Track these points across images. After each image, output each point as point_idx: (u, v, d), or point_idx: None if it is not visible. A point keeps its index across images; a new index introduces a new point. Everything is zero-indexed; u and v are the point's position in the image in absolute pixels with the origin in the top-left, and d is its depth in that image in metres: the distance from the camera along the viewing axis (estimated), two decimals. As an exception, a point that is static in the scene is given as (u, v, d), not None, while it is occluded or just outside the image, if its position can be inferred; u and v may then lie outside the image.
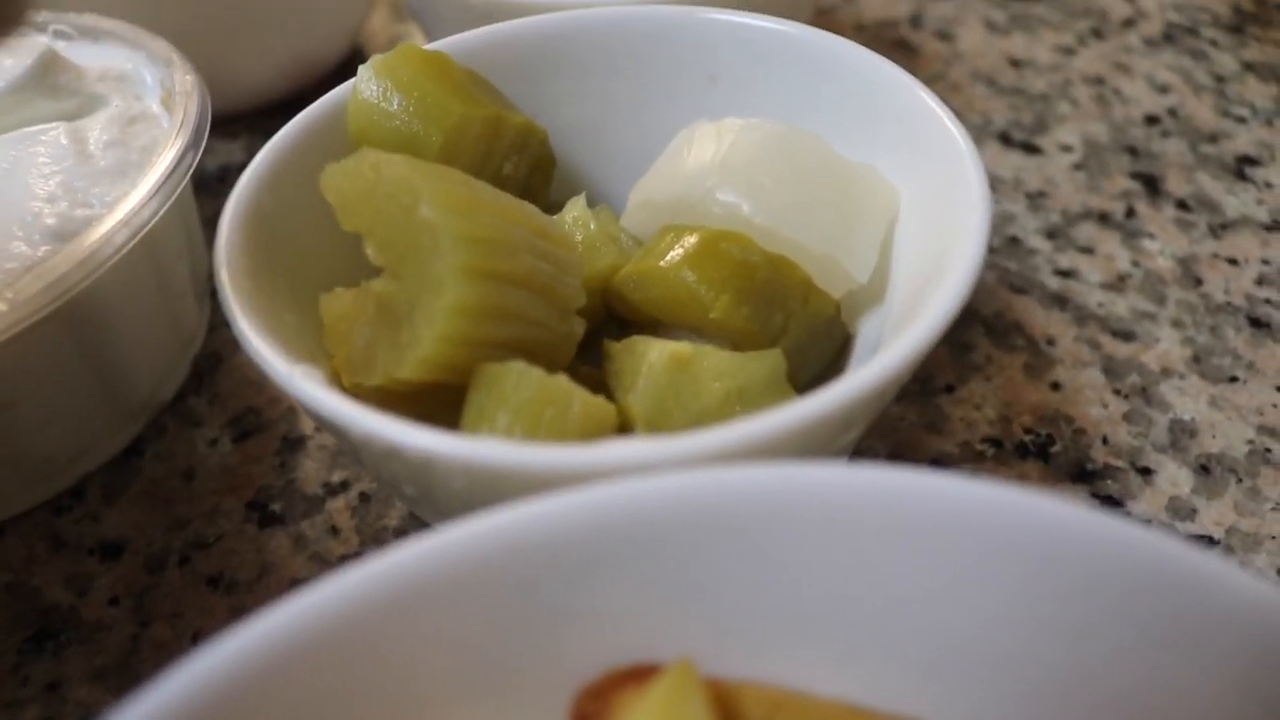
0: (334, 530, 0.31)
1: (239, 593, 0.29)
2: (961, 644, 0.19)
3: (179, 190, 0.30)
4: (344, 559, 0.30)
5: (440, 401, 0.25)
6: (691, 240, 0.28)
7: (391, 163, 0.25)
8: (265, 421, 0.34)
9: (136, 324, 0.31)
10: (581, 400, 0.24)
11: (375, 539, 0.30)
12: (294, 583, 0.29)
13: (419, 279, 0.24)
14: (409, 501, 0.27)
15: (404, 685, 0.19)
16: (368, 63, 0.29)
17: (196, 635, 0.29)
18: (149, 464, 0.33)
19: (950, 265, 0.24)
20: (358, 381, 0.25)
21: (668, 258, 0.28)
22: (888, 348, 0.22)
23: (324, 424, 0.23)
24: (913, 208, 0.29)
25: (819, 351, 0.29)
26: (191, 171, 0.31)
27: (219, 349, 0.36)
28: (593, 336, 0.28)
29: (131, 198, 0.29)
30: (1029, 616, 0.19)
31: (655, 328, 0.29)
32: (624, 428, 0.26)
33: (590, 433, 0.24)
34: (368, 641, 0.18)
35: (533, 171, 0.31)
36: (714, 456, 0.20)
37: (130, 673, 0.28)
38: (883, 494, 0.19)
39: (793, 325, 0.28)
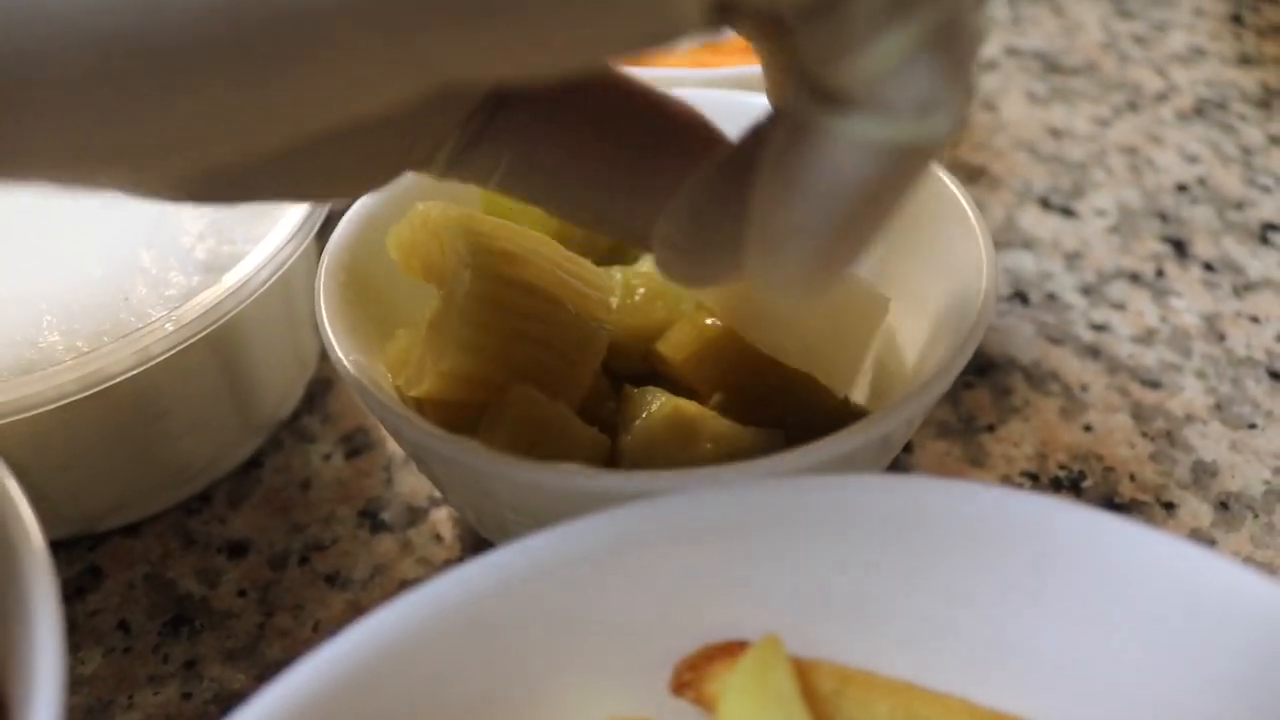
0: (438, 538, 0.34)
1: (354, 589, 0.33)
2: (1006, 639, 0.23)
3: (313, 233, 0.34)
4: (448, 563, 0.33)
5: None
6: (706, 331, 0.30)
7: (435, 208, 0.28)
8: (373, 441, 0.38)
9: (268, 349, 0.36)
10: (576, 428, 0.27)
11: (475, 547, 0.34)
12: (403, 582, 0.33)
13: (449, 296, 0.27)
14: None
15: (513, 658, 0.22)
16: None
17: (316, 625, 0.32)
18: (269, 475, 0.37)
19: (946, 353, 0.27)
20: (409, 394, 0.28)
21: (676, 343, 0.30)
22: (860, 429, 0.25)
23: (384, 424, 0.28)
24: (931, 305, 0.31)
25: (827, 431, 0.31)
26: (324, 217, 0.35)
27: (329, 375, 0.40)
28: (637, 384, 0.30)
29: (272, 237, 0.33)
30: (1042, 606, 0.22)
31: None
32: (615, 463, 0.28)
33: (579, 459, 0.27)
34: (481, 619, 0.22)
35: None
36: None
37: (259, 655, 0.32)
38: (938, 501, 0.22)
39: (791, 418, 0.30)
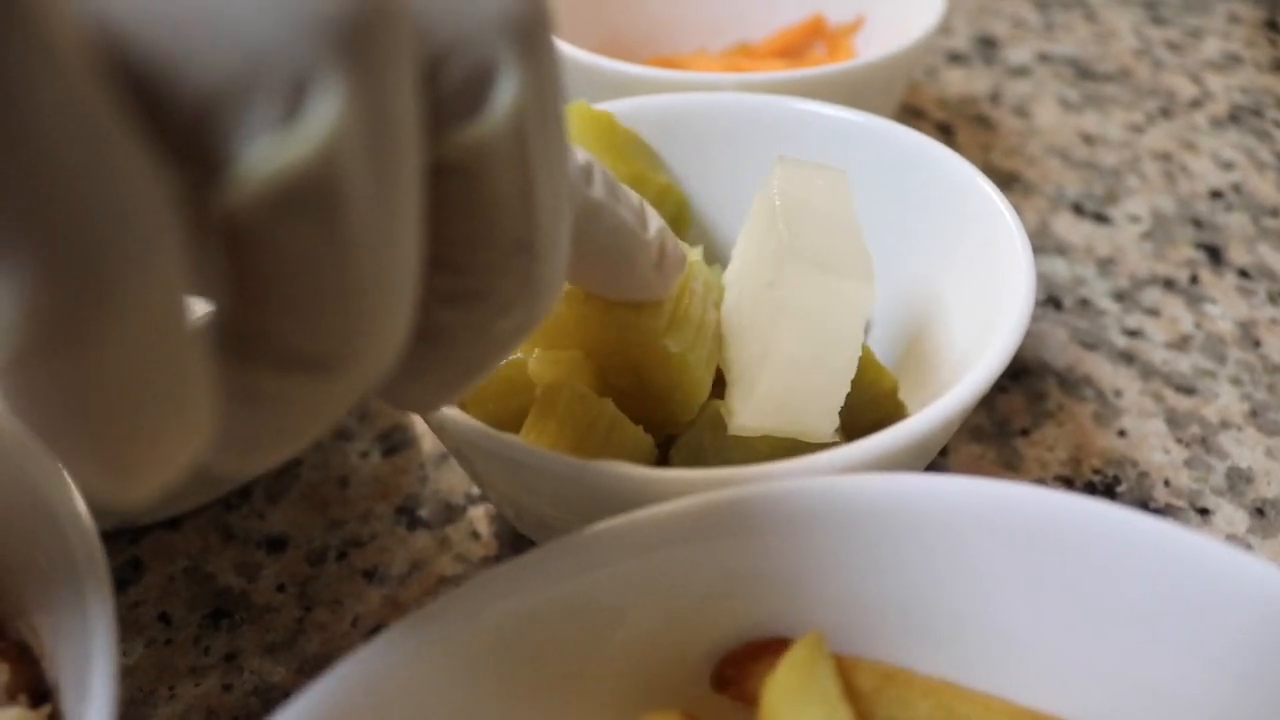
0: (475, 535, 0.35)
1: (391, 585, 0.34)
2: (1046, 639, 0.23)
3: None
4: (485, 560, 0.34)
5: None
6: None
7: None
8: (410, 439, 0.38)
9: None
10: (623, 427, 0.27)
11: (513, 544, 0.34)
12: (441, 579, 0.33)
13: None
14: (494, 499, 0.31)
15: (555, 654, 0.23)
16: None
17: (355, 620, 0.33)
18: (307, 471, 0.37)
19: (980, 358, 0.27)
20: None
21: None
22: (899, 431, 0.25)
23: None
24: (968, 309, 0.31)
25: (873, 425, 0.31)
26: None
27: (366, 373, 0.41)
28: None
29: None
30: (1064, 603, 0.22)
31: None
32: (661, 462, 0.29)
33: (626, 456, 0.27)
34: (524, 615, 0.22)
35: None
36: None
37: (298, 649, 0.32)
38: (979, 502, 0.22)
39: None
